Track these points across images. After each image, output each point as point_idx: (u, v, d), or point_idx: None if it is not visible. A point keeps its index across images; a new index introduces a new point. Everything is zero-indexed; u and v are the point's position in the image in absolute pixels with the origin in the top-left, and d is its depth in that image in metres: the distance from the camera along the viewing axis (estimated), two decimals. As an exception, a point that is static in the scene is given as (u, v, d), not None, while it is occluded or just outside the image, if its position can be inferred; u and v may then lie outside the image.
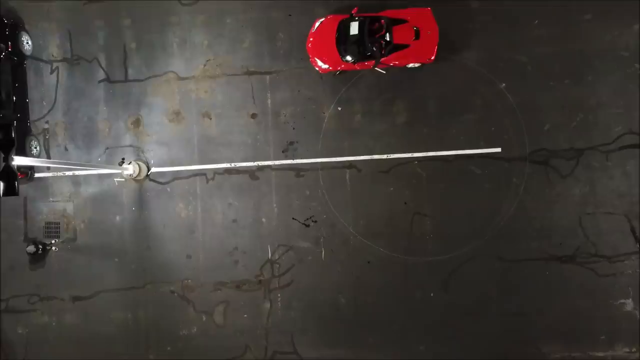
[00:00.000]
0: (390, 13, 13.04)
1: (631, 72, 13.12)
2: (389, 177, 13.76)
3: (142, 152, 14.65)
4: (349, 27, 12.87)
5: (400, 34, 12.83)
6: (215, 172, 14.37)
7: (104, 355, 14.63)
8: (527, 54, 13.38)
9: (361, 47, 12.78)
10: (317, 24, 13.48)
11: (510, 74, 13.41)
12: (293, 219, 14.04)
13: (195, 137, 14.45)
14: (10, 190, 9.99)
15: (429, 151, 13.63)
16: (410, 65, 13.33)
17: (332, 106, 13.94)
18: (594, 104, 13.20)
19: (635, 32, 13.12)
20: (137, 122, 14.71)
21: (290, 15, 14.13)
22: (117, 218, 14.68)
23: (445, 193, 13.55)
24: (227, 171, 14.34)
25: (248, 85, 14.28)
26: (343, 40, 12.96)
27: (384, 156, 13.77)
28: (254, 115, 14.26)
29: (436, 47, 12.91)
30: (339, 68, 13.34)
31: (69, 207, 14.90)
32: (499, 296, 13.36)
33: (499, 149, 13.44)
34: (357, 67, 13.17)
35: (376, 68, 13.20)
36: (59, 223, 14.94)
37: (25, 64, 14.95)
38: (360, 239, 13.79)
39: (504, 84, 13.45)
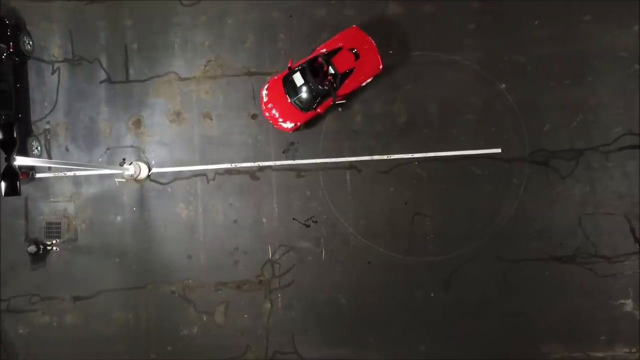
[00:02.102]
0: (323, 47, 13.14)
1: (631, 73, 13.15)
2: (389, 177, 13.79)
3: (143, 152, 14.67)
4: (294, 80, 13.01)
5: (342, 62, 12.90)
6: (216, 172, 14.39)
7: (105, 356, 14.63)
8: (527, 54, 13.41)
9: (314, 92, 12.86)
10: (264, 92, 13.59)
11: (510, 74, 13.44)
12: (293, 219, 14.07)
13: (196, 138, 14.47)
14: (12, 190, 10.04)
15: (429, 151, 13.66)
16: (364, 83, 13.37)
17: (333, 107, 13.95)
18: (594, 105, 13.23)
19: (635, 32, 13.15)
20: (138, 123, 14.73)
21: (291, 16, 14.16)
22: (118, 218, 14.71)
23: (445, 193, 13.58)
24: (228, 171, 14.37)
25: (249, 86, 14.31)
26: (294, 94, 13.09)
27: (384, 156, 13.80)
28: (254, 116, 14.28)
29: (379, 56, 13.04)
30: (304, 121, 13.43)
31: (70, 208, 14.92)
32: (499, 296, 13.38)
33: (499, 150, 13.47)
34: (319, 110, 13.20)
35: (337, 102, 13.31)
36: (59, 223, 14.96)
37: (26, 64, 14.99)
38: (361, 239, 13.81)
39: (504, 85, 13.48)
